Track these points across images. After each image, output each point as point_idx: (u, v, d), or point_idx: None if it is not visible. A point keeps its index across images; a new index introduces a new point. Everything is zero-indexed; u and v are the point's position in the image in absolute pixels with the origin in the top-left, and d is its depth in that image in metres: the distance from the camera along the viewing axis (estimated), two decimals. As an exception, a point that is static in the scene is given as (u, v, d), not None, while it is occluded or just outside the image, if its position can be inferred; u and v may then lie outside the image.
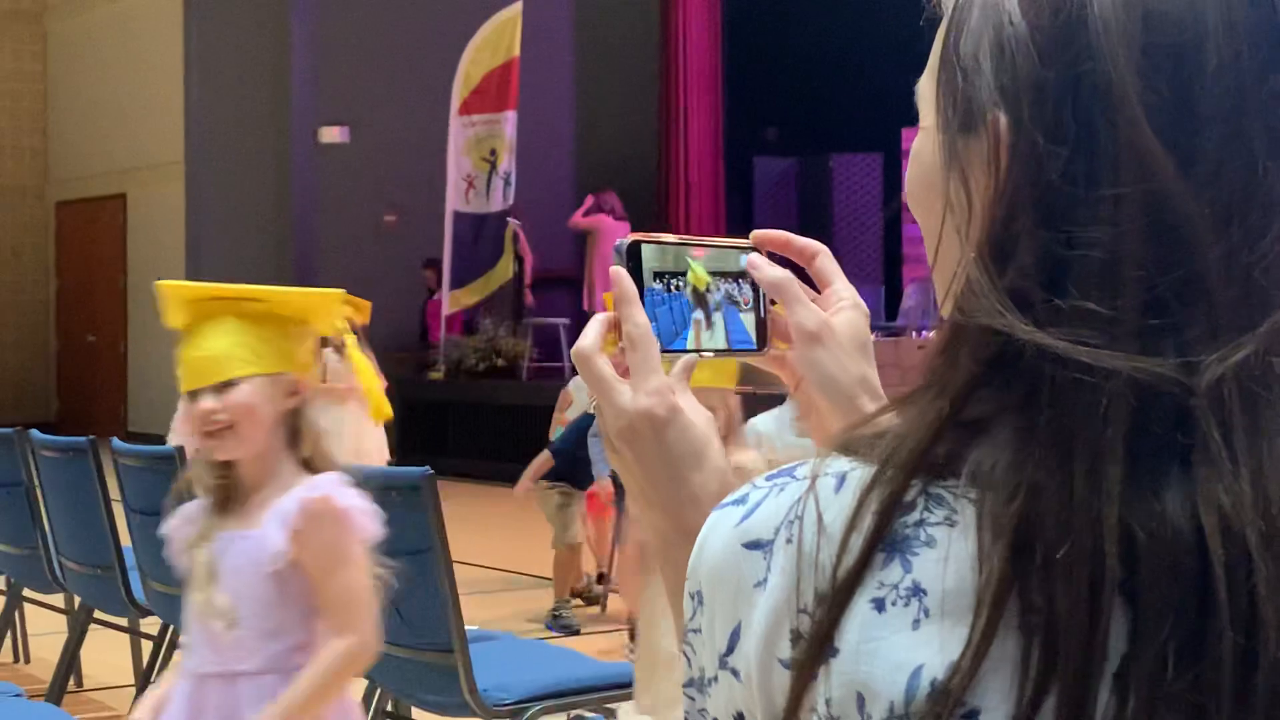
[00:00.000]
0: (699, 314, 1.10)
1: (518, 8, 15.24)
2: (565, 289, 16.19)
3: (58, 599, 6.02)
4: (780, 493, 0.85)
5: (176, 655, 5.13)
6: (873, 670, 0.79)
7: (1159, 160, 0.78)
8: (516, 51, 15.10)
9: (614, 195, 15.30)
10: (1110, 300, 0.78)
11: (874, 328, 17.90)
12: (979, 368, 0.81)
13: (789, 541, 0.83)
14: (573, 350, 1.04)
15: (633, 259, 1.07)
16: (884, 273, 17.51)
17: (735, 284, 1.13)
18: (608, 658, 5.24)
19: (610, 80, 17.96)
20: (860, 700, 0.79)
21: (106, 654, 6.14)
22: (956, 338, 0.83)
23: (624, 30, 18.03)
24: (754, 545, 0.84)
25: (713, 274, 1.12)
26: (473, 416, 14.76)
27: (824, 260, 1.19)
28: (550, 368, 14.86)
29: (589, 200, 15.37)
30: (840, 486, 0.83)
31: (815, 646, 0.80)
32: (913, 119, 0.91)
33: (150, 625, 5.33)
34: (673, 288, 1.09)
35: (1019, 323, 0.79)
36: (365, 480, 4.00)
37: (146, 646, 5.45)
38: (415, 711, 4.33)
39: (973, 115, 0.83)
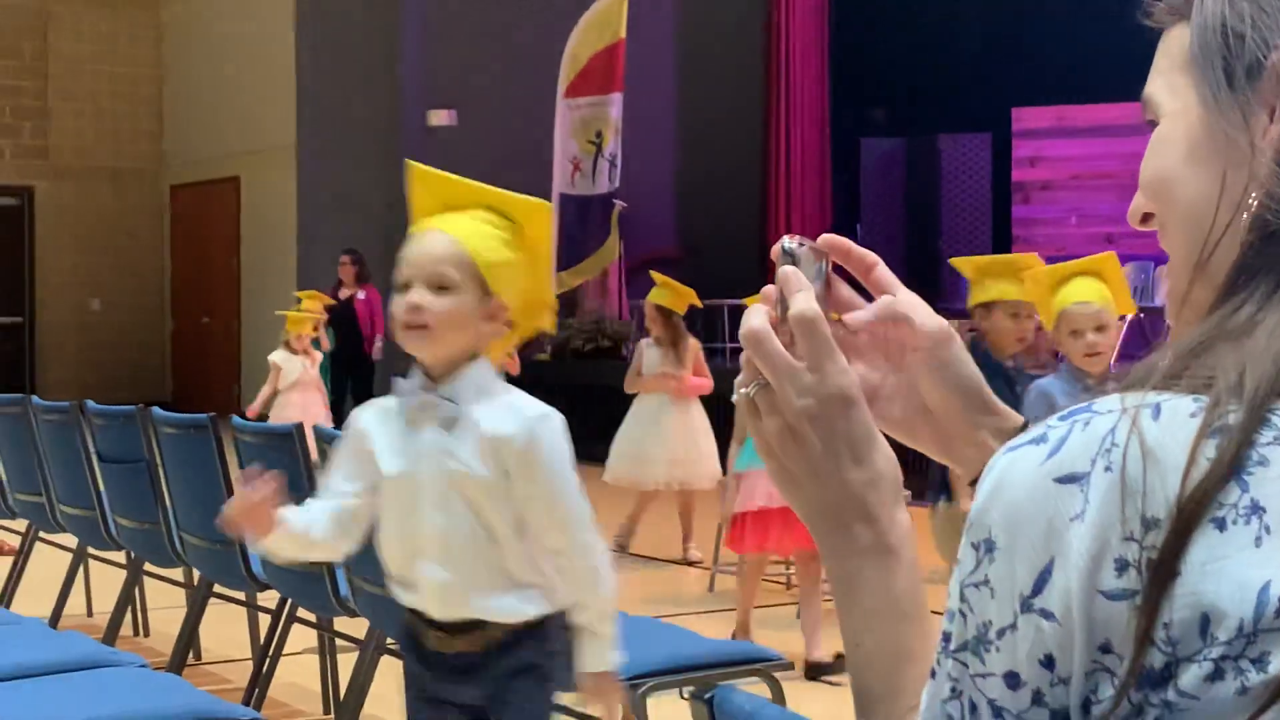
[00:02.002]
0: None
1: (625, -11, 15.26)
2: (669, 271, 16.19)
3: (177, 573, 6.12)
4: (1086, 426, 0.86)
5: (294, 629, 5.24)
6: (1219, 589, 0.80)
7: None
8: (623, 33, 15.10)
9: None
10: None
11: (982, 309, 17.26)
12: None
13: (1108, 470, 0.84)
14: (744, 333, 1.04)
15: (789, 259, 1.08)
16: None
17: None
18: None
19: (714, 61, 17.92)
20: (1205, 621, 0.80)
21: (225, 628, 6.25)
22: (1264, 253, 0.89)
23: (728, 10, 17.98)
24: (1068, 479, 0.84)
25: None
26: (580, 397, 14.82)
27: (882, 270, 1.19)
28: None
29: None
30: (1158, 414, 0.85)
31: (1160, 571, 0.81)
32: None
33: (268, 599, 5.41)
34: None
35: None
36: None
37: (264, 620, 5.54)
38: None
39: (1254, 65, 0.92)
